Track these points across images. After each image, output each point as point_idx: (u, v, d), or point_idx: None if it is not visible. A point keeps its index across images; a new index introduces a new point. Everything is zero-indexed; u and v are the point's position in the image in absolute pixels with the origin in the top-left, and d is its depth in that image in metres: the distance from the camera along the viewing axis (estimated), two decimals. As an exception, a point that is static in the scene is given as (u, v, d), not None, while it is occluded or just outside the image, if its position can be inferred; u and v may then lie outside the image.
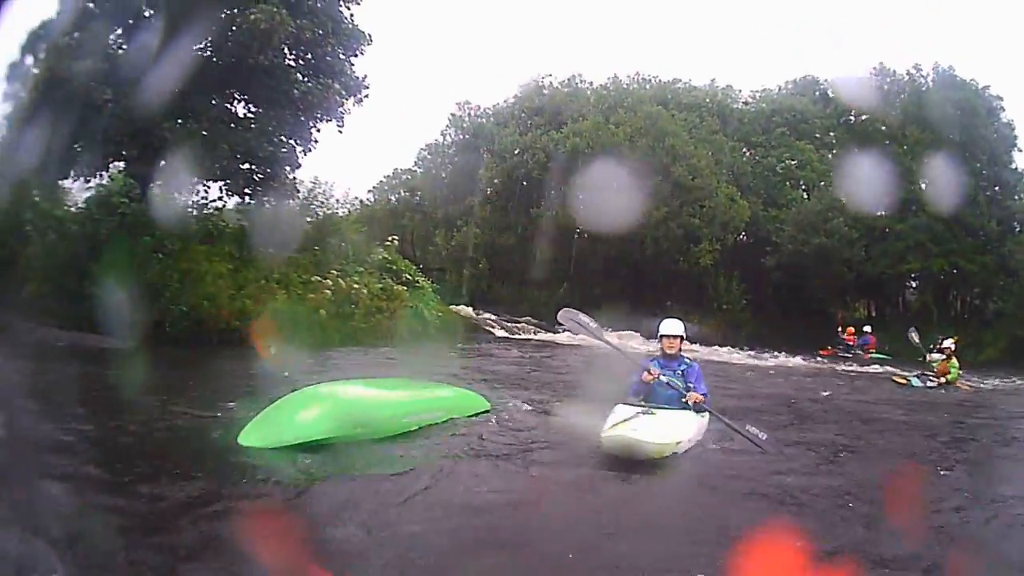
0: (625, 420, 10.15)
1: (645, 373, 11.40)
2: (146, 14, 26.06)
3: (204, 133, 25.39)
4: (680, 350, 11.82)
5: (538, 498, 8.91)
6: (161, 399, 13.06)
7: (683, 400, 11.26)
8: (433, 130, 71.62)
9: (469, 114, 55.94)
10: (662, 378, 11.37)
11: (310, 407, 10.61)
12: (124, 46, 25.34)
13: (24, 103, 25.45)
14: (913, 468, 11.27)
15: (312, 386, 11.67)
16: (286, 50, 27.10)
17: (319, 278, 27.50)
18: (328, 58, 28.11)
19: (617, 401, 11.27)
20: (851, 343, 37.90)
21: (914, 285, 49.33)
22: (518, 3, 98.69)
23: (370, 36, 29.06)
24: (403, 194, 59.37)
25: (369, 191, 59.82)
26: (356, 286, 28.44)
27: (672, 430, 10.24)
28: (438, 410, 12.40)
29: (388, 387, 13.23)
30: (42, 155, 24.74)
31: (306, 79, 27.37)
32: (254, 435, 10.07)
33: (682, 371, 11.58)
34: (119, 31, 25.63)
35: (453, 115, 56.15)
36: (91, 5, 25.54)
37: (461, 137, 55.41)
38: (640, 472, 9.44)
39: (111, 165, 26.70)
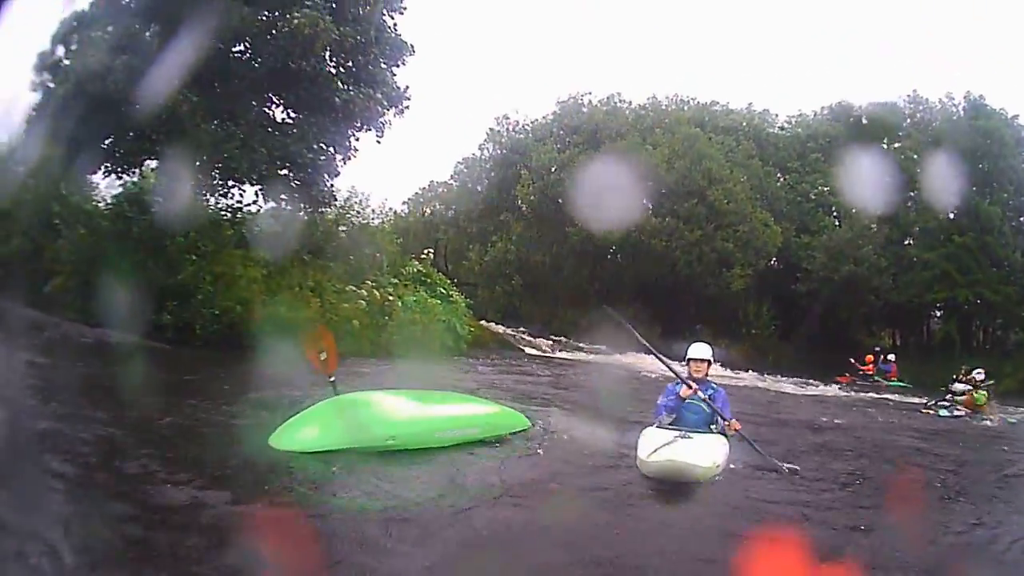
0: (666, 444, 9.98)
1: (684, 388, 11.22)
2: (180, 12, 24.58)
3: (242, 136, 24.94)
4: (707, 374, 11.59)
5: (575, 520, 8.56)
6: (197, 400, 13.35)
7: (712, 425, 11.12)
8: (471, 144, 71.00)
9: (508, 129, 54.93)
10: (699, 394, 11.15)
11: (343, 415, 10.57)
12: (158, 42, 24.37)
13: (56, 94, 25.06)
14: (921, 495, 11.12)
15: (348, 394, 11.45)
16: (328, 57, 26.48)
17: (353, 288, 27.05)
18: (370, 67, 27.52)
19: (644, 423, 11.55)
20: (869, 372, 36.63)
21: (938, 315, 48.80)
22: (560, 20, 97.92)
23: (412, 47, 28.57)
24: (438, 207, 58.48)
25: (404, 202, 59.20)
26: (391, 297, 28.07)
27: (712, 454, 10.14)
28: (476, 426, 12.09)
29: (426, 400, 12.79)
30: (73, 148, 24.58)
31: (348, 87, 26.74)
32: (286, 439, 10.14)
33: (709, 396, 11.28)
34: (155, 27, 24.92)
35: (491, 130, 55.15)
36: (126, 1, 25.23)
37: (499, 152, 54.32)
38: (678, 495, 9.50)
39: (144, 162, 26.18)
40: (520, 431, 12.75)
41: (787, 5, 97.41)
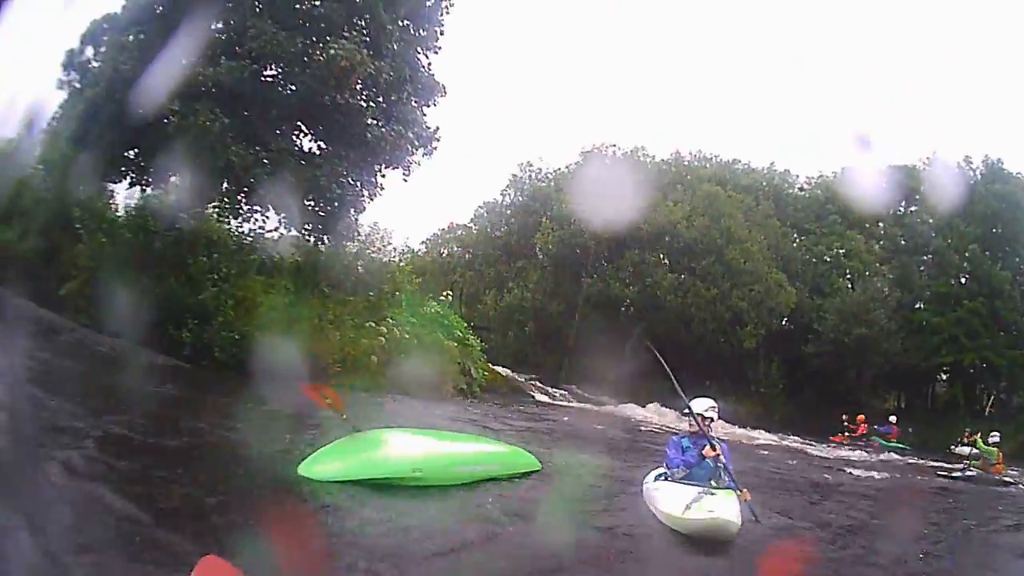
0: (696, 501, 9.90)
1: (708, 448, 10.83)
2: (214, 27, 25.22)
3: (268, 162, 24.39)
4: (710, 429, 11.27)
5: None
6: (225, 422, 13.59)
7: (712, 481, 10.74)
8: (492, 189, 69.90)
9: (530, 176, 54.38)
10: (722, 458, 10.80)
11: (370, 447, 11.04)
12: (190, 56, 23.77)
13: (84, 96, 24.63)
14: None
15: (373, 430, 11.90)
16: (361, 91, 25.75)
17: (373, 324, 26.05)
18: (403, 105, 26.99)
19: (648, 471, 11.96)
20: (862, 432, 36.74)
21: (944, 378, 47.85)
22: (585, 71, 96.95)
23: (444, 88, 27.93)
24: (456, 249, 57.70)
25: (422, 242, 58.58)
26: (407, 336, 27.01)
27: (738, 510, 9.90)
28: (493, 464, 12.38)
29: (446, 438, 13.50)
30: (96, 152, 24.25)
31: (379, 123, 26.18)
32: (316, 467, 10.39)
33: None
34: (187, 39, 23.72)
35: (514, 176, 54.66)
36: (159, 9, 24.55)
37: (520, 199, 53.77)
38: (691, 546, 9.45)
39: (169, 177, 25.29)
40: (533, 472, 13.07)
41: (810, 66, 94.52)
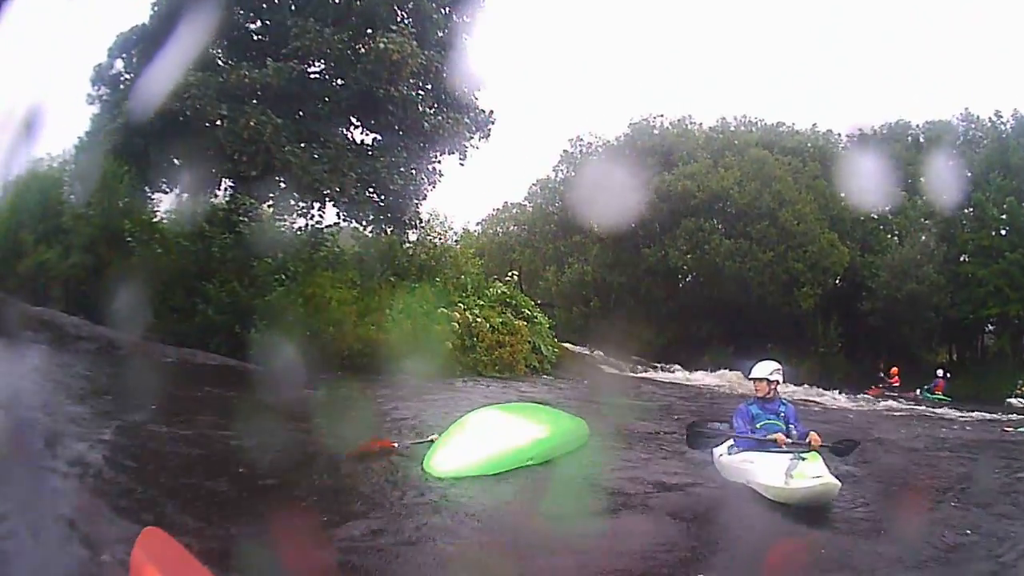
0: (794, 468, 9.27)
1: (780, 435, 10.09)
2: (253, 26, 24.87)
3: (327, 159, 23.46)
4: (773, 392, 10.75)
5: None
6: (329, 424, 12.98)
7: (807, 443, 10.06)
8: (544, 165, 67.64)
9: (581, 151, 52.54)
10: (789, 438, 10.14)
11: (484, 437, 10.57)
12: (233, 61, 23.42)
13: (123, 109, 23.31)
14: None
15: (477, 413, 11.66)
16: (413, 81, 24.79)
17: (444, 310, 25.44)
18: (454, 91, 26.07)
19: (719, 447, 11.05)
20: (895, 383, 36.17)
21: (991, 328, 45.88)
22: (630, 41, 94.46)
23: (495, 71, 26.48)
24: (512, 228, 55.86)
25: (477, 223, 56.36)
26: (478, 319, 26.53)
27: (827, 470, 9.32)
28: (576, 439, 12.15)
29: (538, 417, 12.34)
30: (143, 164, 23.72)
31: (434, 112, 25.43)
32: (441, 464, 9.88)
33: (782, 413, 10.57)
34: (226, 45, 24.13)
35: (565, 151, 52.93)
36: (190, 15, 22.47)
37: (572, 174, 51.55)
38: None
39: (221, 182, 24.90)
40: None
41: (840, 29, 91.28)
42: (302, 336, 20.60)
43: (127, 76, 24.31)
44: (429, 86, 25.42)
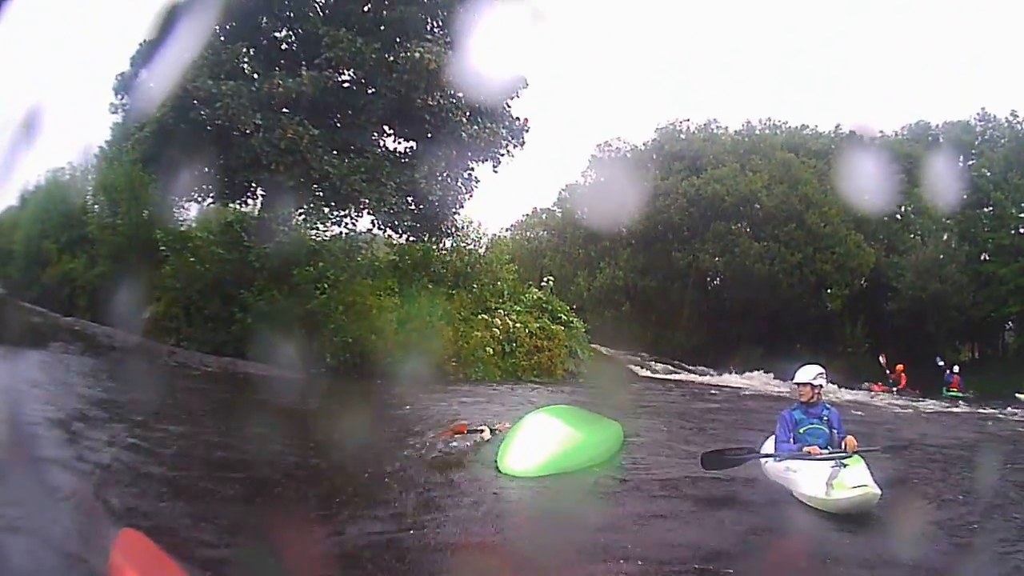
0: (834, 478, 8.79)
1: (813, 448, 9.64)
2: (281, 34, 24.47)
3: (364, 169, 23.10)
4: (817, 396, 10.23)
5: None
6: (388, 429, 13.06)
7: (842, 446, 9.67)
8: (572, 171, 66.99)
9: (609, 156, 51.86)
10: (821, 452, 9.58)
11: (560, 436, 10.70)
12: (263, 70, 22.80)
13: (152, 118, 22.56)
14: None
15: (543, 413, 11.64)
16: (449, 91, 23.93)
17: (485, 316, 25.83)
18: (489, 100, 25.35)
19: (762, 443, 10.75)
20: (901, 381, 34.65)
21: (1010, 326, 45.48)
22: (652, 46, 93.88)
23: (526, 79, 26.39)
24: (541, 234, 55.14)
25: (506, 229, 55.45)
26: (517, 325, 26.33)
27: (870, 477, 8.82)
28: (617, 443, 12.02)
29: (587, 421, 12.30)
30: (172, 173, 22.55)
31: (470, 121, 24.62)
32: (515, 464, 9.90)
33: (826, 418, 10.14)
34: (253, 52, 23.30)
35: (594, 156, 52.34)
36: (219, 24, 22.85)
37: (601, 179, 50.98)
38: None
39: (255, 191, 24.37)
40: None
41: (856, 31, 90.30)
42: (343, 344, 20.56)
43: (151, 85, 23.09)
44: (462, 94, 24.43)
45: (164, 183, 23.33)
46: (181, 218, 24.77)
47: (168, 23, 22.59)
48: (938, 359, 36.02)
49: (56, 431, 9.62)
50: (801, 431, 9.96)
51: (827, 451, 9.50)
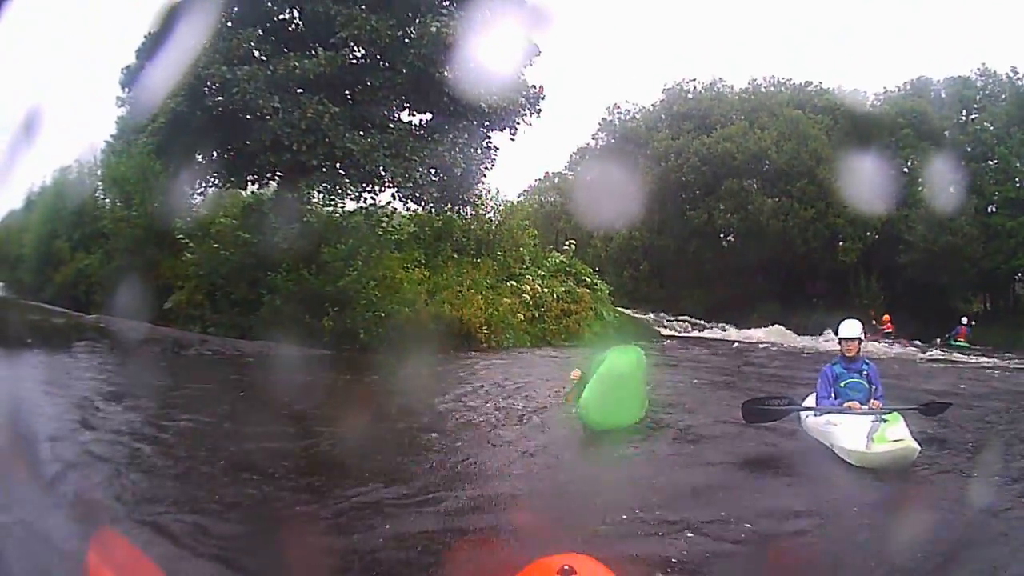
0: (875, 432, 8.75)
1: (853, 403, 9.61)
2: (285, 16, 24.04)
3: (386, 145, 22.89)
4: (859, 351, 10.27)
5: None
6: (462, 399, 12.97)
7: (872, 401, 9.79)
8: (582, 134, 66.67)
9: (619, 119, 52.75)
10: (861, 408, 9.55)
11: (637, 384, 10.89)
12: (273, 53, 22.60)
13: (163, 108, 22.37)
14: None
15: (623, 354, 11.01)
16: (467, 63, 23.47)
17: (513, 283, 26.28)
18: (505, 70, 25.04)
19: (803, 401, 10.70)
20: (888, 330, 36.20)
21: (1021, 276, 44.93)
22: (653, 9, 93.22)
23: (538, 47, 26.04)
24: (555, 198, 55.31)
25: (519, 195, 55.56)
26: (545, 290, 26.87)
27: (909, 432, 8.78)
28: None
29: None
30: (188, 162, 22.93)
31: (489, 91, 24.28)
32: (597, 417, 9.99)
33: (865, 372, 10.09)
34: (261, 35, 23.01)
35: (604, 119, 53.13)
36: (224, 9, 22.64)
37: (612, 141, 51.98)
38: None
39: (276, 174, 24.17)
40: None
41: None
42: (377, 319, 20.45)
43: (160, 76, 22.50)
44: (478, 65, 23.89)
45: (178, 172, 23.05)
46: (196, 205, 24.28)
47: (172, 13, 22.62)
48: (963, 319, 36.52)
49: (107, 434, 9.41)
50: (841, 385, 9.96)
51: (867, 407, 9.44)
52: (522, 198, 53.60)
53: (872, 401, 9.64)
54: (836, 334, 10.29)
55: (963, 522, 6.94)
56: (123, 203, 22.74)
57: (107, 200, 25.00)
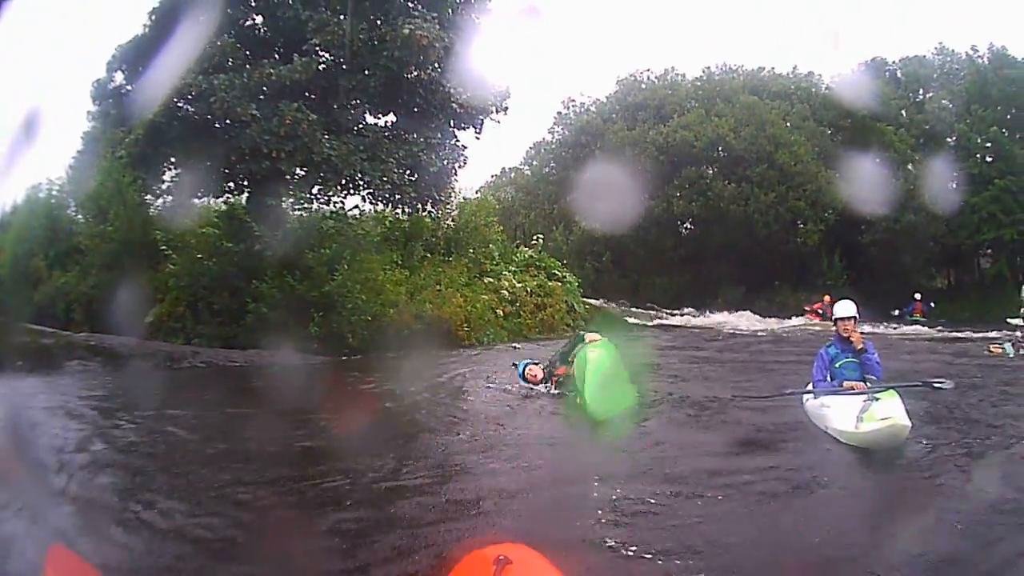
0: (865, 411, 8.99)
1: (852, 383, 9.98)
2: (250, 22, 24.28)
3: (363, 148, 23.18)
4: (855, 330, 10.43)
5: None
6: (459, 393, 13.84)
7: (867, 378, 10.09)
8: (539, 129, 66.73)
9: (574, 111, 52.91)
10: (864, 383, 9.96)
11: (613, 377, 11.19)
12: (249, 60, 22.67)
13: (140, 120, 22.21)
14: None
15: (596, 350, 11.66)
16: (438, 64, 23.97)
17: (491, 279, 26.94)
18: (473, 70, 25.10)
19: (792, 392, 11.05)
20: (819, 309, 36.26)
21: (988, 253, 45.59)
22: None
23: (506, 46, 26.96)
24: (515, 193, 55.15)
25: (476, 191, 53.91)
26: (519, 285, 27.56)
27: (903, 408, 8.92)
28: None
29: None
30: (168, 175, 23.71)
31: (459, 91, 24.73)
32: (603, 407, 10.49)
33: (862, 351, 10.28)
34: (235, 43, 23.11)
35: (559, 113, 53.37)
36: (193, 19, 21.65)
37: (568, 135, 52.18)
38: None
39: (258, 182, 23.39)
40: None
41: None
42: (363, 322, 20.81)
43: (129, 88, 23.14)
44: (451, 65, 24.42)
45: (154, 184, 23.57)
46: (174, 216, 23.86)
47: (146, 25, 22.95)
48: (916, 295, 37.29)
49: (128, 456, 9.56)
50: (837, 366, 10.28)
51: (867, 385, 9.74)
52: (478, 195, 54.12)
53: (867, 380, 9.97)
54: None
55: (958, 516, 6.70)
56: (97, 218, 22.93)
57: (80, 216, 25.28)
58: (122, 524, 6.70)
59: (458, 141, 26.48)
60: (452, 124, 25.93)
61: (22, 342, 18.64)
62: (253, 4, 23.83)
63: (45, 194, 26.97)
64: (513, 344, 22.96)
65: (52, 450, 9.38)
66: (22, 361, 16.99)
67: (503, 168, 57.35)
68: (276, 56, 22.78)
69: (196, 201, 24.88)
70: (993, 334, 23.45)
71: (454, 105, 24.69)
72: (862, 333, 10.33)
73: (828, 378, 10.29)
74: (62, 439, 10.08)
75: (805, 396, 10.57)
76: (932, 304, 37.00)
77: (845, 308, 10.50)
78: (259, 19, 24.28)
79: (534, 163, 54.86)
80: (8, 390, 15.09)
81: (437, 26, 22.73)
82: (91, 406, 13.22)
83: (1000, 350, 19.99)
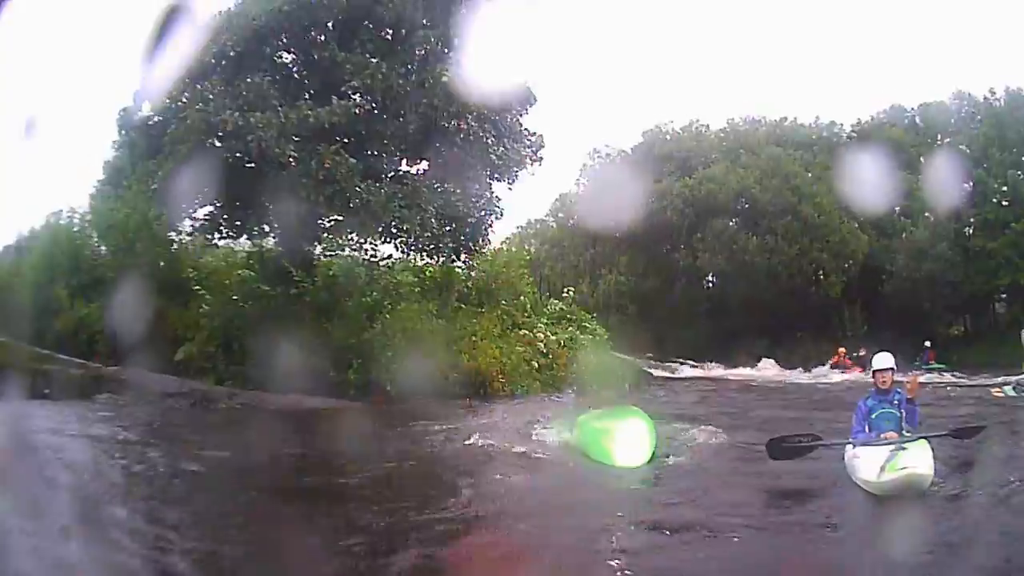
0: (890, 460, 9.01)
1: (890, 433, 9.84)
2: (281, 60, 24.11)
3: (402, 196, 23.18)
4: (892, 382, 10.43)
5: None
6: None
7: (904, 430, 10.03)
8: (562, 180, 66.74)
9: (600, 163, 51.93)
10: (899, 432, 9.91)
11: (645, 430, 11.94)
12: (285, 100, 22.20)
13: (172, 152, 22.04)
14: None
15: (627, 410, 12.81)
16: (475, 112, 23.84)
17: (525, 331, 26.41)
18: (508, 120, 25.53)
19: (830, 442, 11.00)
20: (837, 363, 35.44)
21: (1003, 298, 45.54)
22: (623, 50, 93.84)
23: (535, 95, 26.19)
24: (542, 245, 54.68)
25: (502, 242, 54.15)
26: (552, 337, 26.96)
27: (930, 458, 9.08)
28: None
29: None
30: (199, 212, 23.61)
31: (497, 142, 24.72)
32: (626, 458, 11.29)
33: (897, 402, 10.28)
34: (271, 79, 22.76)
35: (585, 164, 52.49)
36: (232, 54, 22.51)
37: (595, 186, 51.06)
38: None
39: (293, 223, 22.98)
40: None
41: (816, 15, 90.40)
42: (403, 370, 20.08)
43: (159, 119, 23.00)
44: (486, 113, 24.25)
45: (183, 220, 23.43)
46: (205, 255, 24.33)
47: (172, 55, 22.62)
48: (926, 343, 36.60)
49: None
50: (874, 417, 10.24)
51: (900, 435, 9.68)
52: (504, 246, 54.54)
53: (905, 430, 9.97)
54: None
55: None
56: (123, 250, 22.84)
57: (103, 247, 25.05)
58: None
59: (494, 193, 26.28)
60: (488, 175, 25.58)
61: (51, 369, 18.90)
62: (285, 40, 23.59)
63: (66, 222, 26.81)
64: (555, 395, 22.71)
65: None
66: (49, 389, 17.35)
67: (528, 220, 57.24)
68: (308, 97, 22.66)
69: (231, 241, 24.91)
70: (1012, 379, 22.82)
71: (491, 156, 24.42)
72: (895, 382, 10.37)
73: (867, 429, 10.28)
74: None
75: (848, 450, 10.47)
76: (939, 351, 36.65)
77: (883, 360, 10.52)
78: (289, 57, 24.23)
79: (560, 215, 54.71)
80: (46, 419, 14.94)
81: (468, 73, 22.27)
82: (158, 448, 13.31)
83: (1001, 393, 20.71)
